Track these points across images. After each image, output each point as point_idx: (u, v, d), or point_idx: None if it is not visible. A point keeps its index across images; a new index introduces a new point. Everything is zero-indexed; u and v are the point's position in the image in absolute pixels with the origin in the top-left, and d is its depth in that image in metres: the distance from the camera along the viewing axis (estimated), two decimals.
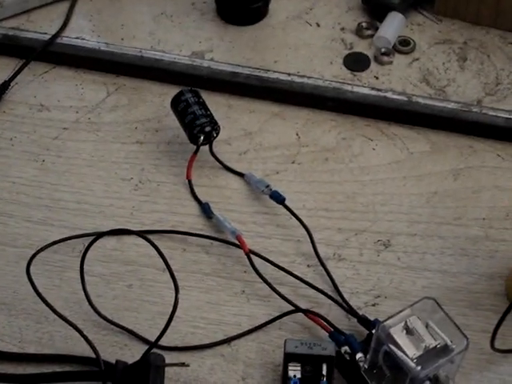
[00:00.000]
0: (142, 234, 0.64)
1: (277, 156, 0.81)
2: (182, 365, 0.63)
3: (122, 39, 0.90)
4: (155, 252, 0.62)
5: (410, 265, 0.72)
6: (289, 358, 0.62)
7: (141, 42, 0.90)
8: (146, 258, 0.72)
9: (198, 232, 0.74)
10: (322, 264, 0.71)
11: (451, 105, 0.82)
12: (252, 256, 0.71)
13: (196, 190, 0.78)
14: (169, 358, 0.64)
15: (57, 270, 0.72)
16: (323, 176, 0.79)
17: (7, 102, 0.85)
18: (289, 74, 0.85)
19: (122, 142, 0.82)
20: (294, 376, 0.62)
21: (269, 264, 0.71)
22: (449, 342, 0.58)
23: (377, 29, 0.90)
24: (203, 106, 0.79)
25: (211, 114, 0.79)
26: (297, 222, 0.74)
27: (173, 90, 0.81)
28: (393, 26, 0.90)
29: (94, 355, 0.64)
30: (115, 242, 0.74)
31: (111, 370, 0.63)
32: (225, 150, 0.81)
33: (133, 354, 0.67)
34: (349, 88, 0.84)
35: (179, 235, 0.74)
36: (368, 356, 0.61)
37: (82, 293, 0.67)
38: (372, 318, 0.66)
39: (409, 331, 0.59)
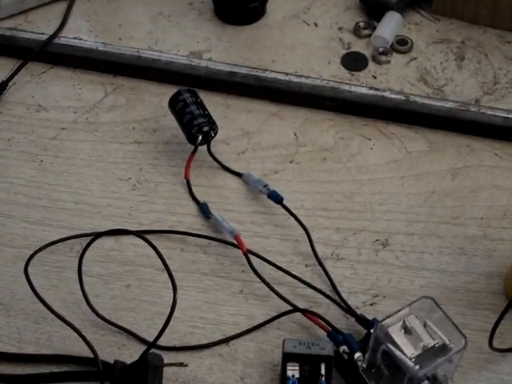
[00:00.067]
0: (140, 234, 0.64)
1: (275, 156, 0.81)
2: (181, 365, 0.63)
3: (120, 39, 0.90)
4: (153, 252, 0.62)
5: (408, 264, 0.72)
6: (287, 357, 0.62)
7: (138, 42, 0.90)
8: (144, 258, 0.72)
9: (196, 232, 0.74)
10: (320, 264, 0.71)
11: (449, 104, 0.82)
12: (250, 256, 0.71)
13: (194, 189, 0.78)
14: (167, 358, 0.64)
15: (55, 271, 0.72)
16: (321, 176, 0.79)
17: (5, 103, 0.85)
18: (286, 74, 0.85)
19: (120, 142, 0.82)
20: (293, 376, 0.62)
21: (267, 264, 0.71)
22: (447, 342, 0.58)
23: (374, 28, 0.90)
24: (201, 105, 0.79)
25: (209, 113, 0.79)
26: (295, 222, 0.74)
27: (171, 90, 0.81)
28: (390, 25, 0.90)
29: (92, 355, 0.64)
30: (113, 242, 0.74)
31: (109, 370, 0.63)
32: (223, 150, 0.81)
33: (131, 354, 0.67)
34: (347, 87, 0.84)
35: (177, 235, 0.74)
36: (366, 355, 0.61)
37: (80, 293, 0.67)
38: (370, 318, 0.66)
39: (407, 330, 0.59)
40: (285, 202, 0.75)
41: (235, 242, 0.72)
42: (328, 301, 0.69)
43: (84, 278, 0.67)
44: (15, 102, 0.85)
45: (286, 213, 0.74)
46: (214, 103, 0.84)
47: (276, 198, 0.75)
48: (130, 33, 0.91)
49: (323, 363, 0.62)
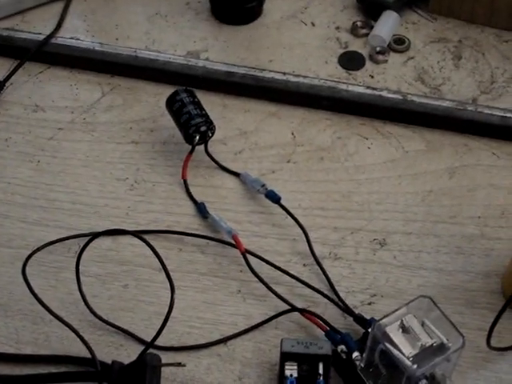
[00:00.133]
0: (137, 234, 0.64)
1: (272, 155, 0.81)
2: (179, 365, 0.63)
3: (117, 39, 0.90)
4: (151, 252, 0.62)
5: (405, 263, 0.72)
6: (285, 357, 0.62)
7: (135, 41, 0.90)
8: (142, 258, 0.72)
9: (193, 232, 0.74)
10: (318, 263, 0.71)
11: (446, 103, 0.82)
12: (248, 255, 0.71)
13: (191, 189, 0.78)
14: (165, 358, 0.64)
15: (52, 271, 0.72)
16: (319, 175, 0.79)
17: (2, 103, 0.85)
18: (284, 74, 0.85)
19: (117, 142, 0.82)
20: (291, 375, 0.62)
21: (265, 263, 0.71)
22: (445, 341, 0.58)
23: (372, 28, 0.90)
24: (198, 105, 0.79)
25: (206, 113, 0.79)
26: (292, 222, 0.74)
27: (168, 90, 0.81)
28: (388, 24, 0.90)
29: (90, 356, 0.64)
30: (111, 242, 0.74)
31: (107, 370, 0.63)
32: (220, 150, 0.81)
33: (129, 354, 0.67)
34: (344, 87, 0.84)
35: (175, 235, 0.74)
36: (364, 355, 0.61)
37: (78, 293, 0.67)
38: (368, 317, 0.66)
39: (405, 330, 0.59)
40: (282, 202, 0.75)
41: (233, 242, 0.72)
42: (326, 300, 0.69)
43: (82, 278, 0.67)
44: (12, 102, 0.85)
45: (284, 212, 0.74)
46: (212, 103, 0.84)
47: (273, 198, 0.75)
48: (127, 33, 0.91)
49: (321, 363, 0.62)
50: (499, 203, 0.76)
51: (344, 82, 0.84)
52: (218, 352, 0.67)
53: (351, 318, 0.67)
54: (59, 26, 0.91)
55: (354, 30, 0.91)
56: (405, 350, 0.58)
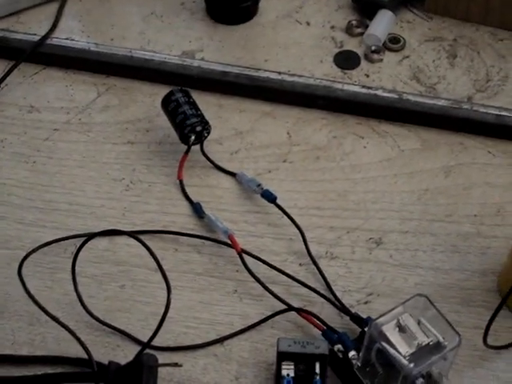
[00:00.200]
0: (133, 235, 0.64)
1: (268, 155, 0.81)
2: (175, 365, 0.63)
3: (112, 39, 0.90)
4: (147, 252, 0.62)
5: (401, 262, 0.72)
6: (282, 356, 0.62)
7: (131, 42, 0.90)
8: (138, 258, 0.72)
9: (189, 232, 0.74)
10: (314, 262, 0.71)
11: (442, 102, 0.82)
12: (244, 255, 0.71)
13: (187, 189, 0.77)
14: (162, 358, 0.64)
15: (48, 272, 0.72)
16: (314, 174, 0.79)
17: None
18: (279, 73, 0.85)
19: (113, 143, 0.82)
20: (288, 375, 0.62)
21: (261, 263, 0.71)
22: (441, 339, 0.58)
23: (367, 27, 0.90)
24: (194, 105, 0.79)
25: (202, 113, 0.79)
26: (288, 221, 0.74)
27: (163, 90, 0.81)
28: (383, 23, 0.90)
29: (86, 356, 0.64)
30: (107, 242, 0.74)
31: (104, 370, 0.62)
32: (216, 150, 0.81)
33: (125, 354, 0.66)
34: (339, 86, 0.84)
35: (171, 235, 0.74)
36: (361, 354, 0.61)
37: (74, 294, 0.67)
38: (364, 316, 0.66)
39: (401, 329, 0.59)
40: (278, 201, 0.75)
41: (229, 242, 0.72)
42: (322, 300, 0.69)
43: (78, 279, 0.67)
44: (7, 103, 0.85)
45: (280, 212, 0.74)
46: (207, 103, 0.84)
47: (269, 198, 0.75)
48: (122, 33, 0.91)
49: (318, 362, 0.62)
50: (495, 201, 0.76)
51: (339, 82, 0.84)
52: (215, 352, 0.67)
53: (348, 318, 0.67)
54: (54, 26, 0.91)
55: (349, 29, 0.91)
56: (401, 348, 0.58)
